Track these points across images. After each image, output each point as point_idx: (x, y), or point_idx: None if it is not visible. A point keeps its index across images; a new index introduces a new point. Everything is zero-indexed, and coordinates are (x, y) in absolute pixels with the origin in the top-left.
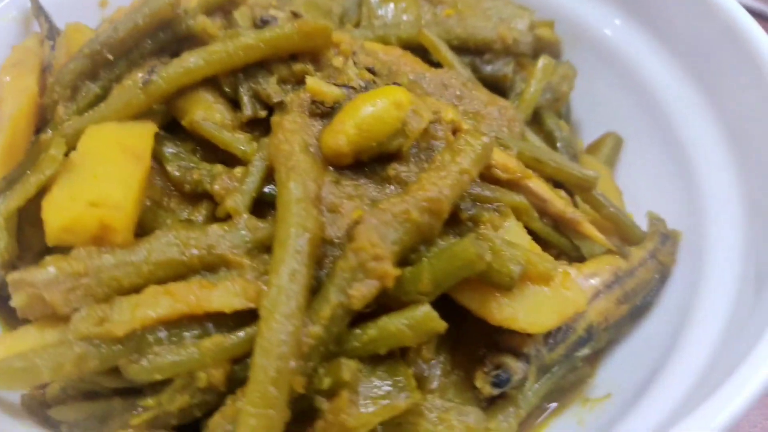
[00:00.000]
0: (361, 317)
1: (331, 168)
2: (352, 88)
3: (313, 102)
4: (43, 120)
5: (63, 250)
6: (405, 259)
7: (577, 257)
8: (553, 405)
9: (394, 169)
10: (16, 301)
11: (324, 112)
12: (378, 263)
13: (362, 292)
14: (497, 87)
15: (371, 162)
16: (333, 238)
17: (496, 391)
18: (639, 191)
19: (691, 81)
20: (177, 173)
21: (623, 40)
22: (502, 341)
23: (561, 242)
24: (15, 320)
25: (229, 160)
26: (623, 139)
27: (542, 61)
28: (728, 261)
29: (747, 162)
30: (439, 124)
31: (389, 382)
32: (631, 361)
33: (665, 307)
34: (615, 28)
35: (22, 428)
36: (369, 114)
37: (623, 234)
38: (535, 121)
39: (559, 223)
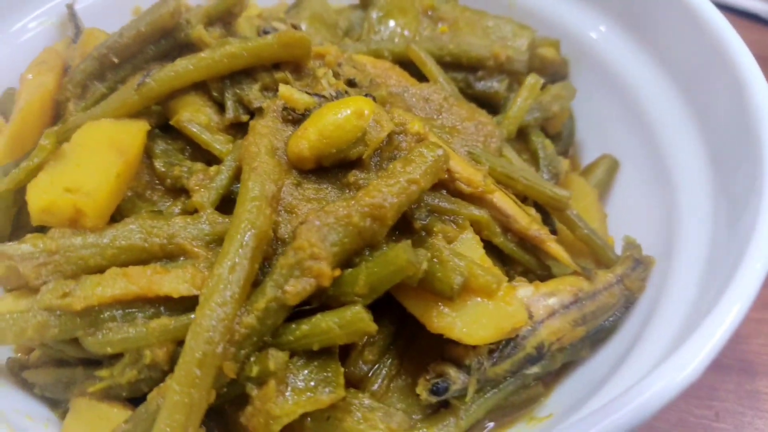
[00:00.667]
0: (301, 315)
1: (294, 171)
2: (324, 97)
3: (285, 108)
4: (58, 114)
5: (47, 230)
6: (348, 262)
7: (544, 276)
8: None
9: (354, 175)
10: None
11: (295, 118)
12: (315, 262)
13: (297, 288)
14: (489, 104)
15: (333, 168)
16: (285, 236)
17: (433, 399)
18: (628, 215)
19: (685, 107)
20: (162, 168)
21: (628, 63)
22: (446, 351)
23: (525, 259)
24: None
25: (214, 159)
26: (619, 162)
27: (529, 80)
28: (686, 289)
29: (727, 186)
30: (404, 135)
31: (318, 377)
32: (585, 385)
33: (625, 332)
34: (621, 51)
35: (2, 390)
36: (331, 122)
37: (596, 256)
38: (522, 138)
39: (525, 241)
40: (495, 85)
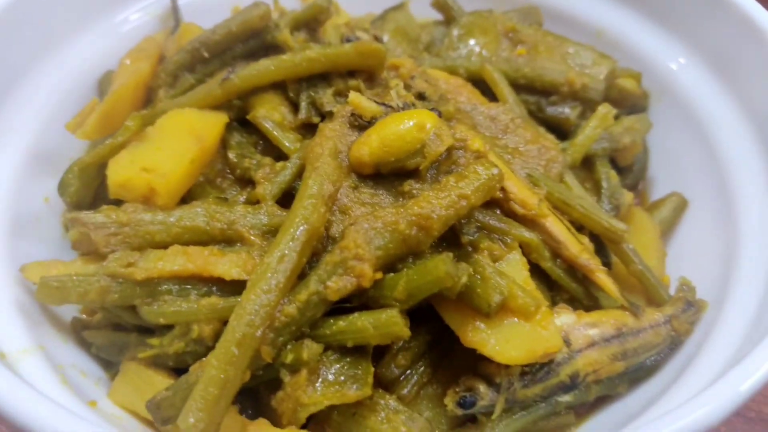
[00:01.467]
0: (342, 311)
1: (353, 175)
2: (390, 107)
3: (353, 114)
4: (149, 99)
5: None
6: (391, 267)
7: (590, 306)
8: None
9: (410, 185)
10: (70, 235)
11: (362, 125)
12: (358, 263)
13: (338, 285)
14: (559, 129)
15: (391, 175)
16: (335, 235)
17: (459, 411)
18: (688, 256)
19: (761, 150)
20: (234, 159)
21: (707, 99)
22: (479, 367)
23: (571, 287)
24: None
25: (283, 156)
26: (688, 201)
27: (601, 109)
28: (731, 337)
29: None
30: (463, 151)
31: (349, 373)
32: (616, 421)
33: (665, 374)
34: (701, 87)
35: (59, 341)
36: (393, 131)
37: (647, 293)
38: (588, 167)
39: (574, 269)
40: (566, 111)
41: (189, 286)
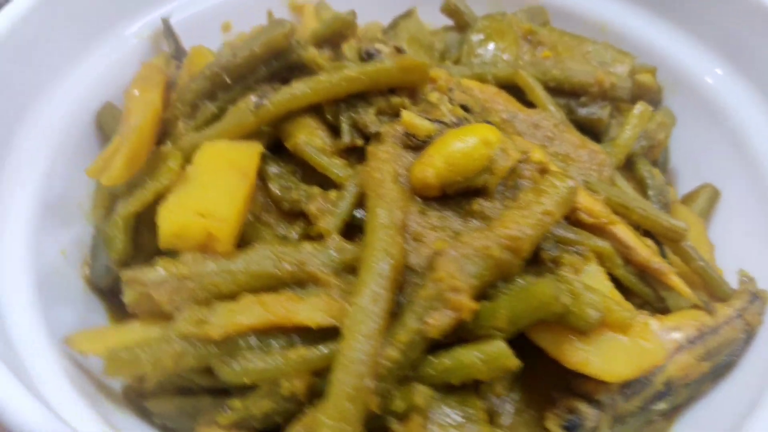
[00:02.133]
0: (437, 347)
1: (418, 198)
2: (444, 123)
3: (406, 134)
4: (163, 132)
5: (171, 253)
6: (483, 294)
7: (661, 308)
8: None
9: (479, 204)
10: (127, 296)
11: (416, 144)
12: (455, 294)
13: (439, 321)
14: (591, 130)
15: (457, 195)
16: (415, 266)
17: None
18: (731, 247)
19: None
20: (278, 192)
21: (724, 90)
22: (576, 386)
23: (645, 292)
24: (122, 313)
25: (325, 182)
26: (720, 191)
27: (639, 108)
28: None
29: None
30: (526, 164)
31: (460, 413)
32: (707, 420)
33: (747, 368)
34: (716, 77)
35: (120, 415)
36: (458, 149)
37: (711, 289)
38: (628, 167)
39: (643, 273)
40: (598, 111)
41: (269, 339)
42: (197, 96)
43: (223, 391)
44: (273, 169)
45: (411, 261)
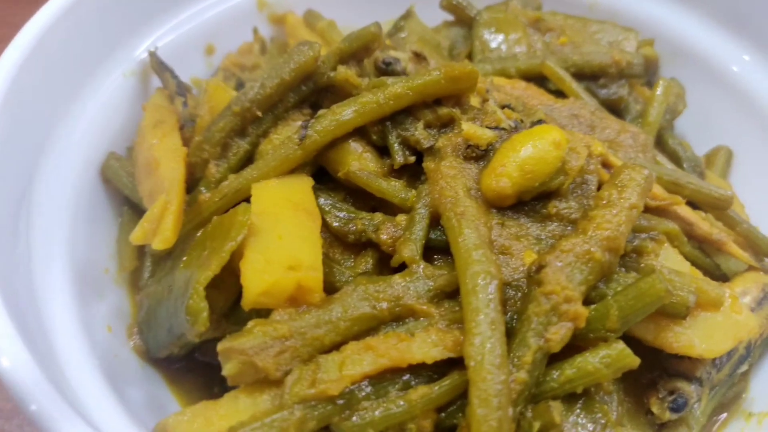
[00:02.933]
0: (552, 359)
1: (493, 210)
2: (504, 129)
3: (469, 146)
4: (191, 178)
5: (257, 312)
6: (587, 298)
7: (719, 276)
8: (720, 417)
9: (555, 206)
10: (228, 369)
11: (478, 155)
12: (570, 305)
13: (560, 334)
14: (613, 109)
15: (530, 201)
16: (510, 279)
17: (674, 416)
18: (754, 204)
19: None
20: (337, 224)
21: (724, 53)
22: (671, 367)
23: (707, 263)
24: (180, 379)
25: (380, 206)
26: (733, 151)
27: (662, 83)
28: None
29: None
30: (590, 158)
31: (590, 419)
32: None
33: None
34: (715, 43)
35: None
36: (530, 155)
37: (757, 249)
38: (657, 142)
39: (703, 245)
40: (619, 90)
41: (383, 383)
42: (227, 134)
43: None
44: (324, 200)
45: (505, 276)
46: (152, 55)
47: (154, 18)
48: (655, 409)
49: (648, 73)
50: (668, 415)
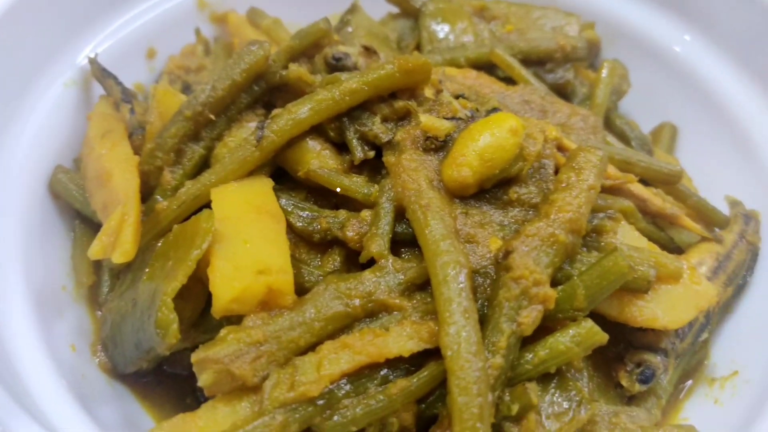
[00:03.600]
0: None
1: (456, 200)
2: (461, 119)
3: (427, 138)
4: (145, 186)
5: (227, 319)
6: (554, 279)
7: (674, 249)
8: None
9: (516, 192)
10: (204, 380)
11: (437, 146)
12: (539, 288)
13: (531, 317)
14: (560, 93)
15: (492, 188)
16: (478, 267)
17: (643, 388)
18: (702, 177)
19: (735, 63)
20: (301, 224)
21: (664, 35)
22: (636, 340)
23: (662, 237)
24: (150, 393)
25: (342, 203)
26: (677, 127)
27: (607, 65)
28: None
29: None
30: (545, 143)
31: (565, 397)
32: (743, 337)
33: (760, 282)
34: (654, 22)
35: None
36: (489, 143)
37: (708, 220)
38: (605, 122)
39: (657, 219)
40: (565, 74)
41: (363, 380)
42: (180, 140)
43: None
44: (286, 201)
45: (473, 264)
46: (93, 62)
47: (91, 24)
48: (624, 382)
49: (591, 56)
50: (637, 387)
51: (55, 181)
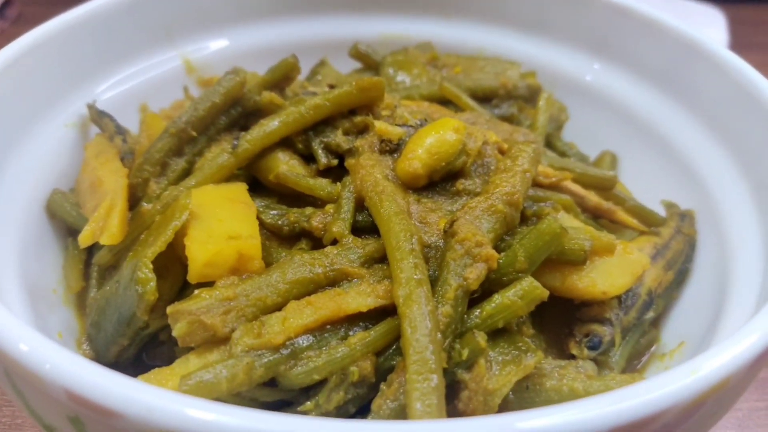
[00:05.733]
0: (472, 303)
1: (409, 191)
2: (411, 126)
3: (382, 141)
4: (133, 197)
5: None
6: (496, 248)
7: None
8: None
9: (462, 183)
10: (177, 330)
11: (391, 148)
12: (482, 248)
13: (476, 273)
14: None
15: (441, 181)
16: (429, 243)
17: (592, 354)
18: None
19: (661, 93)
20: (270, 220)
21: (601, 79)
22: (582, 314)
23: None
24: None
25: (312, 205)
26: (617, 156)
27: (544, 96)
28: (748, 220)
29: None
30: (487, 145)
31: (513, 348)
32: (688, 317)
33: (701, 269)
34: (594, 73)
35: None
36: (435, 140)
37: (646, 221)
38: (547, 146)
39: (596, 215)
40: (509, 109)
41: (325, 334)
42: (165, 154)
43: (285, 404)
44: (258, 202)
45: (427, 241)
46: (91, 107)
47: (91, 78)
48: (575, 352)
49: (533, 98)
50: (586, 353)
51: (52, 201)
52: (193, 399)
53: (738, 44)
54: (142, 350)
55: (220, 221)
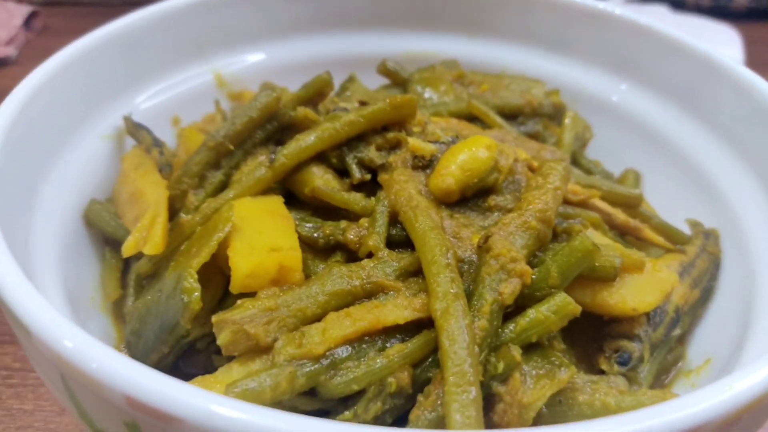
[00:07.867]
0: (506, 318)
1: (442, 206)
2: (443, 143)
3: (415, 157)
4: (171, 209)
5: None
6: (530, 264)
7: None
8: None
9: (494, 199)
10: (222, 338)
11: (424, 164)
12: (516, 264)
13: (510, 288)
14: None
15: (473, 197)
16: (462, 257)
17: (622, 369)
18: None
19: (678, 109)
20: (305, 232)
21: (625, 100)
22: (612, 330)
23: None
24: None
25: (346, 219)
26: (640, 174)
27: (570, 114)
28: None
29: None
30: (518, 162)
31: (547, 363)
32: (714, 334)
33: (726, 288)
34: (621, 93)
35: None
36: (468, 157)
37: (671, 239)
38: (572, 164)
39: (622, 233)
40: (535, 126)
41: (363, 345)
42: (203, 167)
43: (324, 413)
44: (294, 215)
45: (459, 254)
46: (127, 119)
47: (126, 92)
48: (604, 367)
49: (558, 116)
50: (616, 369)
51: (90, 211)
52: (252, 406)
53: (753, 63)
54: (180, 358)
55: (260, 233)
